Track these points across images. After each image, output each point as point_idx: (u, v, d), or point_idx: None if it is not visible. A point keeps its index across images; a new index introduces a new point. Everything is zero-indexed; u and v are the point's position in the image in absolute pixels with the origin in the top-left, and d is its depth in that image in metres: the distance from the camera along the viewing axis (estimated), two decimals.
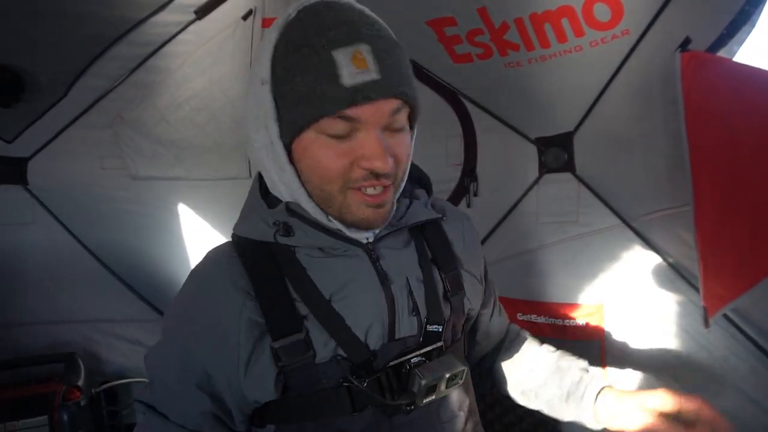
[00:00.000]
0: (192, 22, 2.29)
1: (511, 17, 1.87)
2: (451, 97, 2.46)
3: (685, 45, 1.72)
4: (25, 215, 2.44)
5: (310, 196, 0.80)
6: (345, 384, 0.80)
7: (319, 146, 0.74)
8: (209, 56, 2.36)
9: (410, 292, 0.87)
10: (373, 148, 0.74)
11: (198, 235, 2.58)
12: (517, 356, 1.18)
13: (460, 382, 0.86)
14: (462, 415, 0.94)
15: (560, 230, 2.37)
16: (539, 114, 2.28)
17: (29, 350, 2.46)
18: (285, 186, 0.81)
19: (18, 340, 2.47)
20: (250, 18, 2.31)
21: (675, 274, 2.04)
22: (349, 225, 0.82)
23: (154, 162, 2.49)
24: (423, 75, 2.40)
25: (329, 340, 0.80)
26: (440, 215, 0.97)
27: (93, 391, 2.31)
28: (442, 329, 0.90)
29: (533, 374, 1.14)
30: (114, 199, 2.51)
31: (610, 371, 2.25)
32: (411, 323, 0.87)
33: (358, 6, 0.78)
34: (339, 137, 0.73)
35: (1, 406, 2.05)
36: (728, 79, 1.71)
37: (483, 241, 2.58)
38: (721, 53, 1.72)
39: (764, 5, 1.60)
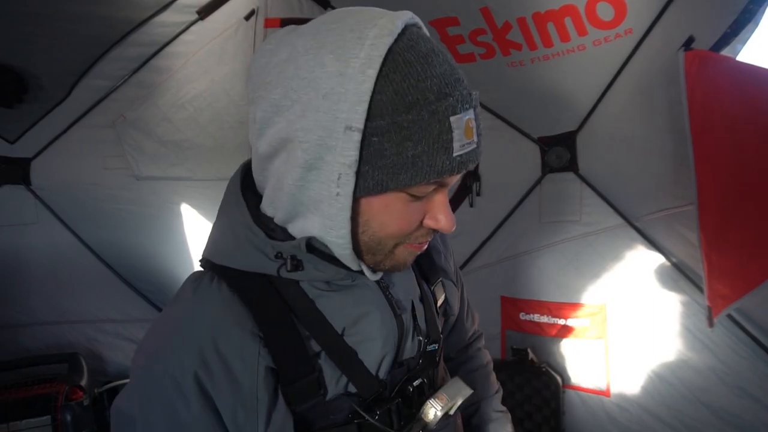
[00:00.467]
0: (194, 22, 2.30)
1: (513, 17, 1.87)
2: None
3: (688, 44, 1.72)
4: (28, 216, 2.45)
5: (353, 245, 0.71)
6: (355, 421, 0.75)
7: (401, 205, 0.68)
8: (212, 56, 2.36)
9: (414, 316, 0.85)
10: (445, 210, 0.71)
11: (200, 234, 2.59)
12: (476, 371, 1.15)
13: (464, 403, 0.85)
14: (451, 422, 0.94)
15: (563, 230, 2.37)
16: (542, 113, 2.28)
17: (32, 350, 2.47)
18: (323, 234, 0.70)
19: (21, 340, 2.48)
20: (253, 18, 2.32)
21: (678, 273, 2.04)
22: (385, 269, 0.77)
23: (157, 162, 2.50)
24: None
25: (341, 376, 0.75)
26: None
27: (96, 391, 2.31)
28: (438, 347, 0.88)
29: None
30: (116, 199, 2.51)
31: (613, 371, 2.25)
32: (413, 346, 0.84)
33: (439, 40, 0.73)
34: (418, 198, 0.68)
35: (4, 407, 2.05)
36: (732, 77, 1.70)
37: (486, 241, 2.58)
38: (725, 52, 1.72)
39: (767, 4, 1.60)
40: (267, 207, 0.74)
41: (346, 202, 0.65)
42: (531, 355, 2.43)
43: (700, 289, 1.88)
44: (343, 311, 0.76)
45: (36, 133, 2.38)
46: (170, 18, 2.24)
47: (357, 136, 0.61)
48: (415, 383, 0.81)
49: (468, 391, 0.83)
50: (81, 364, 2.34)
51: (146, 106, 2.43)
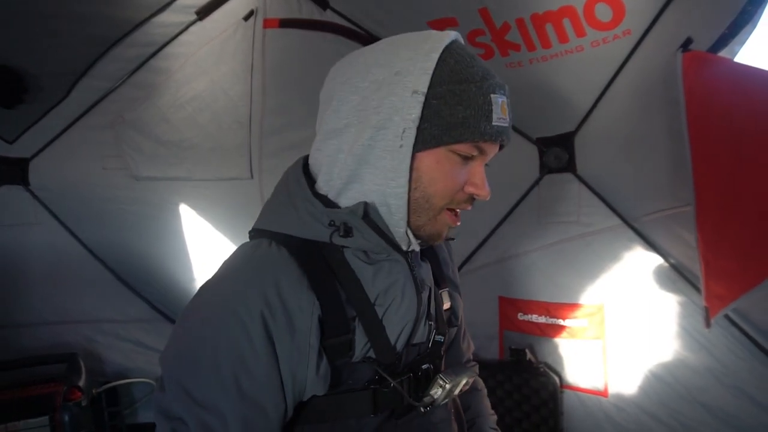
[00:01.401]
0: (193, 22, 2.30)
1: (512, 17, 1.87)
2: None
3: (686, 45, 1.72)
4: (28, 216, 2.45)
5: (407, 202, 0.84)
6: (372, 386, 0.84)
7: (450, 163, 0.82)
8: (211, 56, 2.37)
9: (429, 302, 0.94)
10: (482, 178, 0.85)
11: (199, 235, 2.59)
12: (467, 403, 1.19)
13: (467, 387, 0.93)
14: (451, 418, 1.01)
15: (561, 230, 2.37)
16: (540, 114, 2.29)
17: (31, 351, 2.46)
18: (384, 187, 0.82)
19: (20, 340, 2.48)
20: (252, 18, 2.32)
21: (676, 274, 2.05)
22: (419, 236, 0.88)
23: (156, 162, 2.49)
24: None
25: (366, 342, 0.83)
26: (452, 237, 1.02)
27: (94, 391, 2.31)
28: (443, 340, 0.96)
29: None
30: (115, 199, 2.51)
31: (611, 371, 2.26)
32: (424, 331, 0.92)
33: None
34: (464, 159, 0.82)
35: (2, 407, 2.05)
36: (730, 79, 1.71)
37: (484, 241, 2.58)
38: (723, 53, 1.73)
39: (765, 5, 1.60)
40: (322, 185, 0.86)
41: (408, 152, 0.80)
42: (529, 356, 2.44)
43: (698, 290, 1.88)
44: (377, 281, 0.86)
45: (35, 133, 2.39)
46: (169, 18, 2.24)
47: (420, 98, 0.79)
48: (423, 366, 0.90)
49: (472, 375, 0.92)
50: (79, 364, 2.34)
51: (145, 107, 2.43)
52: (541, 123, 2.32)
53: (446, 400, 0.91)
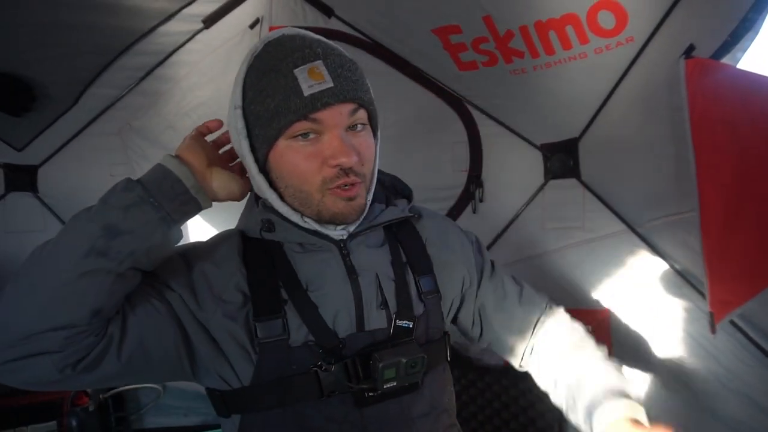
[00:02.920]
0: (199, 31, 2.33)
1: (515, 25, 1.89)
2: (457, 104, 2.47)
3: (689, 52, 1.73)
4: (35, 222, 2.47)
5: (282, 199, 0.90)
6: (314, 369, 0.87)
7: (293, 152, 0.85)
8: (216, 65, 2.39)
9: (379, 287, 0.94)
10: (337, 146, 0.84)
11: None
12: (560, 345, 1.12)
13: (422, 370, 0.90)
14: (435, 414, 0.98)
15: (566, 236, 2.37)
16: (544, 120, 2.29)
17: None
18: (260, 191, 0.91)
19: None
20: (257, 26, 2.34)
21: (681, 279, 2.04)
22: (326, 221, 0.91)
23: None
24: (428, 82, 2.42)
25: (301, 325, 0.88)
26: (412, 214, 1.04)
27: (101, 396, 2.32)
28: (413, 326, 0.95)
29: (572, 371, 1.06)
30: None
31: None
32: (380, 317, 0.93)
33: (316, 36, 0.92)
34: (307, 139, 0.84)
35: (11, 412, 2.07)
36: (733, 85, 1.71)
37: (488, 247, 2.58)
38: (725, 60, 1.73)
39: (767, 13, 1.61)
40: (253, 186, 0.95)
41: (252, 163, 0.88)
42: None
43: (703, 295, 1.88)
44: (309, 268, 0.93)
45: (43, 141, 2.42)
46: (176, 27, 2.27)
47: (239, 111, 0.87)
48: (378, 351, 0.90)
49: (417, 354, 0.89)
50: None
51: (151, 115, 2.45)
52: (545, 129, 2.33)
53: (393, 384, 0.88)
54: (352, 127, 0.87)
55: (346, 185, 0.86)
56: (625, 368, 2.20)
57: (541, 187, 2.41)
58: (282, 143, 0.85)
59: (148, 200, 0.79)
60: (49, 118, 2.35)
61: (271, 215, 0.90)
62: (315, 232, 0.91)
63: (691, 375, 2.04)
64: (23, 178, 2.44)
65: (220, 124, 0.97)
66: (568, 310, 1.25)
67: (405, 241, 1.02)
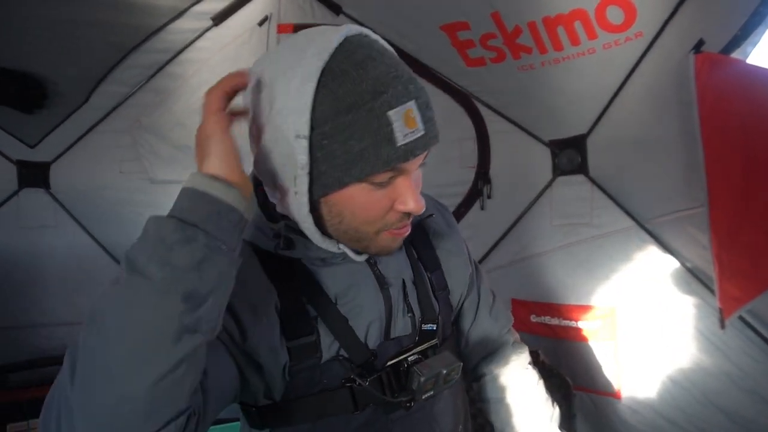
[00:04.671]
0: (209, 28, 2.34)
1: (524, 21, 1.89)
2: (465, 100, 2.48)
3: (698, 47, 1.72)
4: (47, 218, 2.50)
5: (323, 233, 0.80)
6: (347, 384, 0.83)
7: (365, 196, 0.75)
8: (226, 62, 2.40)
9: (405, 294, 0.92)
10: (411, 193, 0.77)
11: None
12: (512, 384, 1.14)
13: (457, 377, 0.89)
14: (454, 412, 0.98)
15: (573, 232, 2.37)
16: (552, 116, 2.29)
17: (50, 350, 2.51)
18: (299, 223, 0.79)
19: (39, 340, 2.53)
20: (266, 24, 2.35)
21: (689, 275, 2.03)
22: (369, 253, 0.85)
23: (172, 165, 2.53)
24: (436, 78, 2.42)
25: (333, 341, 0.84)
26: (429, 213, 0.98)
27: None
28: (436, 327, 0.94)
29: (519, 412, 1.12)
30: (132, 202, 2.55)
31: (625, 373, 2.25)
32: (405, 323, 0.91)
33: (389, 47, 0.79)
34: (381, 185, 0.75)
35: (23, 405, 2.10)
36: (742, 80, 1.71)
37: (496, 243, 2.59)
38: (735, 55, 1.72)
39: None
40: (270, 197, 0.84)
41: (303, 199, 0.74)
42: (542, 357, 2.43)
43: (712, 291, 1.87)
44: (336, 282, 0.86)
45: (55, 137, 2.44)
46: (185, 25, 2.29)
47: (304, 143, 0.70)
48: (411, 359, 0.88)
49: (455, 363, 0.87)
50: None
51: (161, 112, 2.47)
52: (554, 125, 2.33)
53: (431, 393, 0.86)
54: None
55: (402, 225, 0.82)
56: (632, 365, 2.21)
57: (549, 184, 2.41)
58: (354, 187, 0.74)
59: (217, 248, 0.65)
60: (61, 115, 2.38)
61: (291, 233, 0.82)
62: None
63: (699, 371, 2.03)
64: (36, 175, 2.47)
65: (246, 77, 0.75)
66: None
67: (416, 238, 0.98)
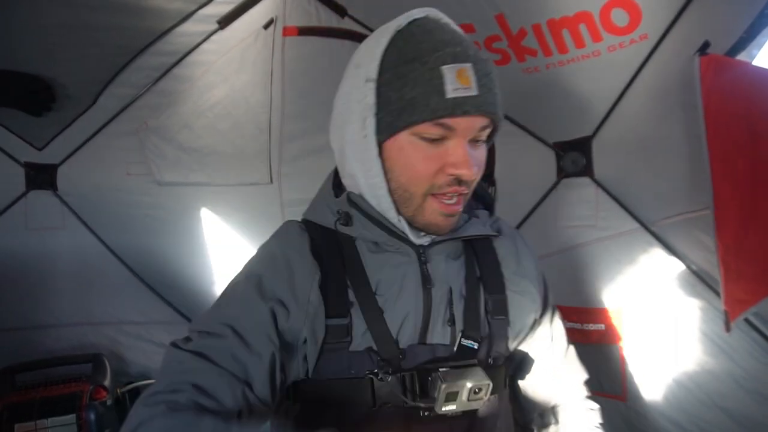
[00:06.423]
0: (215, 31, 2.36)
1: (528, 23, 1.89)
2: None
3: (704, 49, 1.72)
4: (55, 220, 2.51)
5: (390, 192, 0.84)
6: (369, 376, 0.83)
7: (414, 148, 0.80)
8: (231, 65, 2.42)
9: (449, 302, 0.90)
10: (462, 156, 0.79)
11: (220, 238, 2.63)
12: None
13: (484, 398, 0.83)
14: (475, 425, 0.90)
15: (579, 234, 2.37)
16: (557, 119, 2.29)
17: (57, 351, 2.52)
18: (366, 179, 0.85)
19: (47, 341, 2.54)
20: (271, 27, 2.37)
21: (695, 277, 2.03)
22: (419, 228, 0.87)
23: (178, 168, 2.55)
24: None
25: (366, 331, 0.85)
26: (495, 233, 0.99)
27: (118, 391, 2.36)
28: (478, 347, 0.89)
29: None
30: (139, 204, 2.57)
31: (630, 376, 2.24)
32: (444, 332, 0.89)
33: (460, 29, 0.86)
34: (432, 141, 0.79)
35: (32, 405, 2.10)
36: (748, 82, 1.70)
37: None
38: (741, 57, 1.72)
39: None
40: (342, 177, 0.93)
41: (372, 142, 0.81)
42: None
43: (718, 294, 1.86)
44: (382, 269, 0.88)
45: (63, 140, 2.46)
46: (191, 28, 2.30)
47: (372, 85, 0.80)
48: (442, 370, 0.84)
49: (483, 380, 0.82)
50: (104, 364, 2.40)
51: (168, 114, 2.48)
52: (559, 127, 2.33)
53: (452, 408, 0.82)
54: (474, 139, 0.82)
55: (452, 196, 0.83)
56: (638, 367, 2.20)
57: (554, 186, 2.41)
58: (404, 136, 0.80)
59: None
60: (69, 118, 2.39)
61: (351, 209, 0.87)
62: (395, 233, 0.87)
63: (704, 374, 2.03)
64: (43, 177, 2.48)
65: None
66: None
67: (481, 256, 0.97)
